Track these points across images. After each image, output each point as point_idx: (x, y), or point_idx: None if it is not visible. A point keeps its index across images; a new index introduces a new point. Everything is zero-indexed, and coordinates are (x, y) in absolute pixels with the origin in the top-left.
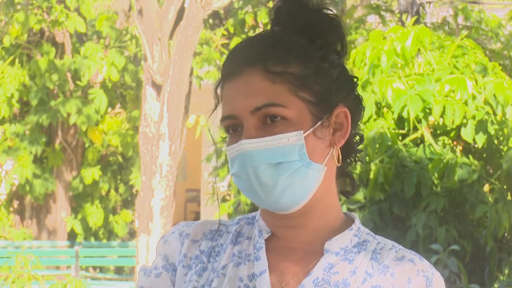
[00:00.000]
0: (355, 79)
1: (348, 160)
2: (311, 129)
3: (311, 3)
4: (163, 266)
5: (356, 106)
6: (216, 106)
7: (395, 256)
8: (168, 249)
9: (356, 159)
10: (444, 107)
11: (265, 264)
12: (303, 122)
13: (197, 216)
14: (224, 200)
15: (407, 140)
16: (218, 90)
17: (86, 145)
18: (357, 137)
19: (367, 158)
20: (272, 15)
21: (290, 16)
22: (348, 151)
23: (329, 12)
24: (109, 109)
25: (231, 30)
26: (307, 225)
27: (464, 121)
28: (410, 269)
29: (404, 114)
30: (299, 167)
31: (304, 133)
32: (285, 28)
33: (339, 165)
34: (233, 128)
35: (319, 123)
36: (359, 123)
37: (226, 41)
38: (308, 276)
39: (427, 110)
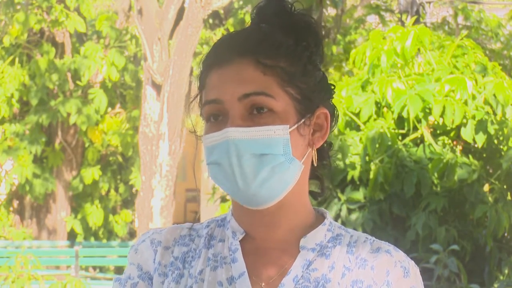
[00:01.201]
0: (332, 87)
1: (320, 162)
2: (296, 125)
3: (292, 7)
4: (139, 276)
5: (332, 113)
6: (197, 95)
7: (371, 248)
8: (141, 258)
9: (327, 163)
10: (444, 107)
11: (243, 266)
12: (288, 117)
13: (197, 216)
14: (224, 200)
15: (407, 140)
16: (201, 79)
17: (86, 145)
18: (325, 144)
19: (367, 158)
20: (255, 13)
21: (277, 15)
22: (321, 154)
23: (308, 17)
24: (109, 109)
25: (231, 30)
26: (282, 223)
27: (464, 121)
28: (388, 261)
29: (404, 114)
30: (282, 162)
31: (289, 128)
32: (272, 26)
33: (315, 165)
34: (215, 116)
35: (303, 120)
36: (332, 130)
37: None
38: (287, 275)
39: (427, 110)
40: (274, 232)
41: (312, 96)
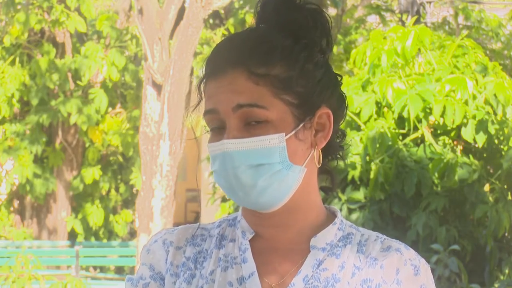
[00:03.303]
0: (338, 77)
1: (330, 157)
2: (293, 132)
3: None
4: (151, 276)
5: (340, 105)
6: (199, 102)
7: (381, 247)
8: (153, 258)
9: (338, 156)
10: (444, 107)
11: (253, 266)
12: (285, 125)
13: (197, 216)
14: (224, 200)
15: (407, 140)
16: (202, 87)
17: (87, 145)
18: (339, 134)
19: (367, 158)
20: (257, 10)
21: (276, 13)
22: (329, 149)
23: (314, 7)
24: (110, 109)
25: (232, 30)
26: (291, 223)
27: (465, 120)
28: (398, 259)
29: (405, 114)
30: (279, 169)
31: (285, 136)
32: (270, 26)
33: (319, 166)
34: (216, 125)
35: (301, 125)
36: (342, 121)
37: None
38: (297, 274)
39: (428, 110)
40: (283, 232)
41: (311, 98)
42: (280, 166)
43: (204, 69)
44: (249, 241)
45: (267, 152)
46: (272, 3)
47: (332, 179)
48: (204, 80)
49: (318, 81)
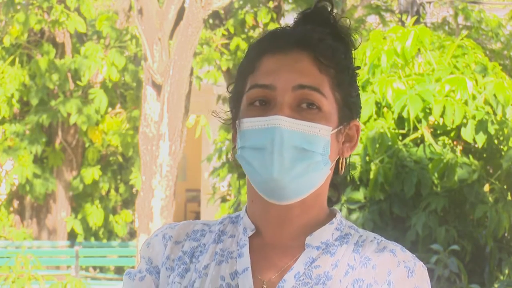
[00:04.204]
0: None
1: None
2: (336, 130)
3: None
4: (147, 269)
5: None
6: (238, 81)
7: (377, 248)
8: (152, 252)
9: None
10: (444, 107)
11: (248, 262)
12: (332, 120)
13: (197, 216)
14: (224, 200)
15: (407, 140)
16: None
17: (86, 145)
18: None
19: (367, 158)
20: (301, 18)
21: (325, 23)
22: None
23: (352, 31)
24: (109, 109)
25: (231, 30)
26: (294, 221)
27: (464, 121)
28: (391, 260)
29: (404, 114)
30: (318, 161)
31: (332, 131)
32: (324, 32)
33: (341, 174)
34: (261, 101)
35: (341, 127)
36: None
37: (226, 41)
38: (289, 271)
39: (427, 110)
40: (284, 229)
41: (352, 107)
42: (320, 158)
43: (255, 46)
44: (249, 237)
45: (314, 140)
46: (320, 14)
47: (338, 194)
48: (255, 56)
49: (357, 94)
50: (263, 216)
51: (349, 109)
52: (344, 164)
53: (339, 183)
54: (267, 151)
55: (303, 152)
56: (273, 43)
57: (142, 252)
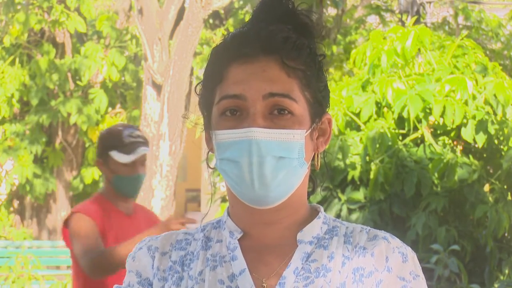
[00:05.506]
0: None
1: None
2: (309, 130)
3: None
4: (138, 282)
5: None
6: (206, 89)
7: (368, 237)
8: (139, 265)
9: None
10: (444, 107)
11: (243, 263)
12: (304, 122)
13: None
14: (224, 200)
15: (407, 140)
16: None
17: (86, 145)
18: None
19: (367, 158)
20: (259, 11)
21: (287, 16)
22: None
23: (317, 13)
24: (110, 109)
25: (231, 30)
26: (281, 220)
27: (464, 121)
28: (386, 247)
29: (404, 114)
30: (295, 165)
31: (305, 133)
32: (287, 27)
33: (317, 170)
34: (232, 111)
35: (314, 125)
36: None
37: None
38: (287, 268)
39: (427, 110)
40: (272, 230)
41: (322, 101)
42: (296, 162)
43: (221, 52)
44: (238, 240)
45: (289, 146)
46: (279, 5)
47: (313, 186)
48: (222, 64)
49: (325, 86)
50: (248, 219)
51: (319, 104)
52: (319, 159)
53: (315, 176)
54: (245, 164)
55: (281, 160)
56: (239, 50)
57: (129, 266)
